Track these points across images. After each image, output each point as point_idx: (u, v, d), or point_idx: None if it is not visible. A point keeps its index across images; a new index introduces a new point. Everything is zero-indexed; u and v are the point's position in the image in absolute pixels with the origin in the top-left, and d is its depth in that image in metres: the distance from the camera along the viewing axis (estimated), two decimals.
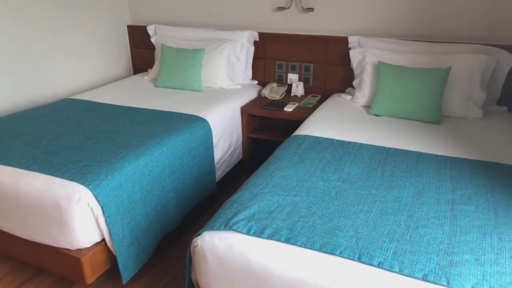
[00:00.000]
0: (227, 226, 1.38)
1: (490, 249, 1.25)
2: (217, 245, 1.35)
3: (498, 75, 2.40)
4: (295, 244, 1.29)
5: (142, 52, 3.52)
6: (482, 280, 1.13)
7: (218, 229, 1.39)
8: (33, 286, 1.93)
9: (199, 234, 1.42)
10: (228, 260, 1.33)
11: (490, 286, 1.11)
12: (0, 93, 2.60)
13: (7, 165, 1.82)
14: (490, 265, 1.18)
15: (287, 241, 1.31)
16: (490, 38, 2.44)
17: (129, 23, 3.53)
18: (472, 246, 1.27)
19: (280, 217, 1.42)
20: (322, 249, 1.27)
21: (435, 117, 2.26)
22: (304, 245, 1.28)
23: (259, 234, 1.34)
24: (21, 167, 1.79)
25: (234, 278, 1.34)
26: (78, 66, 3.12)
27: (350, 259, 1.23)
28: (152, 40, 3.26)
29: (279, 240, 1.31)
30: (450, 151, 1.93)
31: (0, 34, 2.55)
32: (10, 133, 2.14)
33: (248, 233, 1.35)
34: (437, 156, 1.88)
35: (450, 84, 2.31)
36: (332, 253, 1.25)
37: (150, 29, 3.30)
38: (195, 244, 1.40)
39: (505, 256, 1.22)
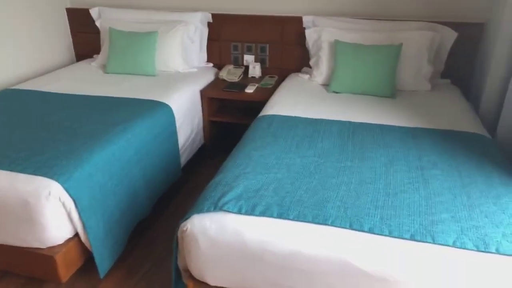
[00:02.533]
0: (217, 207, 1.37)
1: (462, 207, 1.37)
2: (209, 227, 1.34)
3: (442, 50, 2.58)
4: (288, 218, 1.32)
5: (85, 37, 3.30)
6: (461, 234, 1.24)
7: (208, 211, 1.37)
8: None
9: (187, 218, 1.39)
10: (222, 241, 1.33)
11: (469, 239, 1.22)
12: None
13: None
14: (466, 221, 1.30)
15: (280, 216, 1.33)
16: (435, 16, 2.61)
17: (68, 6, 3.28)
18: (446, 205, 1.38)
19: (268, 194, 1.44)
20: (314, 220, 1.31)
21: (391, 91, 2.39)
22: (296, 218, 1.32)
23: (250, 212, 1.35)
24: None
25: (228, 258, 1.34)
26: (13, 54, 2.84)
27: (342, 227, 1.28)
28: (97, 23, 3.07)
29: (271, 216, 1.33)
30: (409, 122, 2.06)
31: None
32: None
33: (239, 212, 1.35)
34: (399, 127, 2.00)
35: (402, 59, 2.45)
36: (324, 223, 1.30)
37: (94, 12, 3.10)
38: (184, 228, 1.38)
39: (476, 211, 1.35)
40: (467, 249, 1.20)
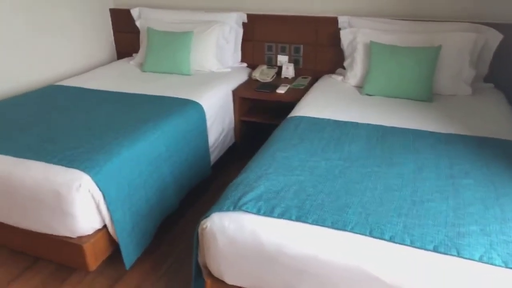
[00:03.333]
0: (236, 207, 1.38)
1: (494, 220, 1.30)
2: (228, 226, 1.35)
3: (485, 52, 2.45)
4: (306, 222, 1.31)
5: (126, 36, 3.42)
6: (490, 249, 1.17)
7: (227, 210, 1.38)
8: (32, 275, 1.89)
9: (207, 216, 1.41)
10: (239, 241, 1.33)
11: (498, 255, 1.15)
12: None
13: None
14: (496, 235, 1.23)
15: (298, 219, 1.32)
16: (479, 16, 2.48)
17: (112, 6, 3.42)
18: (476, 217, 1.31)
19: (288, 196, 1.42)
20: (333, 225, 1.28)
21: (427, 95, 2.30)
22: (315, 222, 1.30)
23: (269, 213, 1.34)
24: (14, 155, 1.73)
25: (246, 258, 1.35)
26: (60, 52, 3.00)
27: (361, 234, 1.25)
28: (137, 23, 3.17)
29: (289, 218, 1.32)
30: (444, 128, 1.97)
31: None
32: None
33: (258, 213, 1.35)
34: (431, 133, 1.92)
35: (441, 62, 2.35)
36: (343, 229, 1.27)
37: (134, 12, 3.21)
38: (204, 226, 1.40)
39: (509, 225, 1.27)
40: (495, 265, 1.13)
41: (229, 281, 1.43)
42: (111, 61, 3.47)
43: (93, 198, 1.63)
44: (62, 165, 1.65)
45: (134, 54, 3.31)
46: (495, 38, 2.39)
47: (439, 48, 2.31)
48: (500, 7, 2.44)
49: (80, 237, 1.68)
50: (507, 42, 2.40)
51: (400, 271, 1.17)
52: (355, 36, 2.59)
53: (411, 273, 1.16)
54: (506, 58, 2.46)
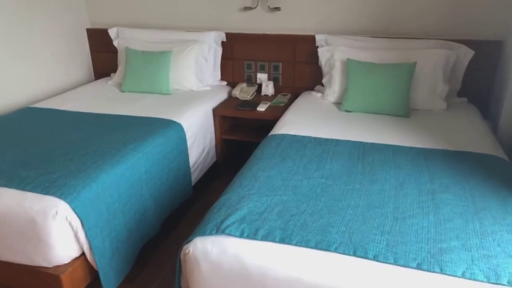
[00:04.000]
0: (219, 230, 1.36)
1: (474, 234, 1.31)
2: (210, 250, 1.33)
3: (458, 68, 2.53)
4: (290, 244, 1.29)
5: (103, 56, 3.39)
6: (472, 264, 1.19)
7: (210, 234, 1.36)
8: None
9: (189, 241, 1.38)
10: (223, 265, 1.31)
11: (480, 270, 1.16)
12: None
13: None
14: (477, 250, 1.24)
15: (282, 241, 1.30)
16: (451, 34, 2.56)
17: (88, 26, 3.39)
18: (457, 232, 1.33)
19: (271, 217, 1.41)
20: (317, 246, 1.27)
21: (404, 110, 2.34)
22: (299, 243, 1.29)
23: (252, 236, 1.33)
24: None
25: (230, 283, 1.32)
26: (35, 73, 2.94)
27: (345, 254, 1.25)
28: (115, 43, 3.15)
29: (273, 240, 1.31)
30: (422, 143, 2.01)
31: None
32: None
33: (241, 236, 1.33)
34: (410, 148, 1.95)
35: (416, 78, 2.41)
36: (327, 250, 1.26)
37: (112, 32, 3.18)
38: (187, 251, 1.37)
39: (489, 240, 1.29)
40: (477, 280, 1.14)
41: None
42: (88, 81, 3.42)
43: (71, 225, 1.58)
44: (37, 192, 1.60)
45: (112, 74, 3.27)
46: (467, 54, 2.47)
47: (414, 64, 2.37)
48: (470, 25, 2.53)
49: (56, 267, 1.62)
50: (478, 58, 2.48)
51: None
52: (332, 53, 2.63)
53: None
54: (479, 73, 2.55)
